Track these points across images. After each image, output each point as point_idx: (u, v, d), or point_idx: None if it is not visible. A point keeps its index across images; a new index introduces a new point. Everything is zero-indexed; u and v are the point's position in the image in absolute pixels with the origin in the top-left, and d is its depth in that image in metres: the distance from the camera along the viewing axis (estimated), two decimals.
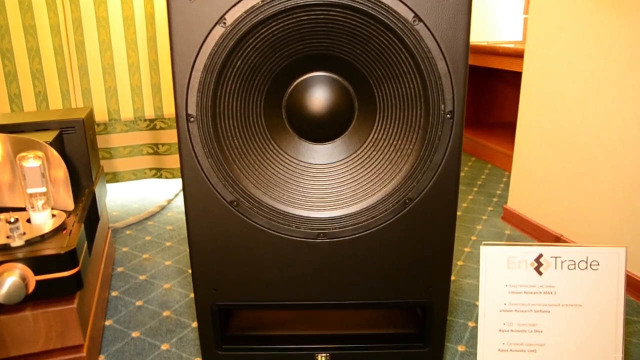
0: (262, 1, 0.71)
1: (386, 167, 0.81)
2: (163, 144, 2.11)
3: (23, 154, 0.93)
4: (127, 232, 1.75)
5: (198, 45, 0.73)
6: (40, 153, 0.94)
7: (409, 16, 0.72)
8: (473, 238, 1.66)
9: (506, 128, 2.90)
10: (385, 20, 0.72)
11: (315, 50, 0.77)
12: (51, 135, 1.09)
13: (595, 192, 1.43)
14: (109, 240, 1.43)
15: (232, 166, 0.79)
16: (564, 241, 1.55)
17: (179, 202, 2.04)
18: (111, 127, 2.06)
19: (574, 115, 1.48)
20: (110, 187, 2.23)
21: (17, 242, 0.87)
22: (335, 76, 0.80)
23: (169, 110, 2.08)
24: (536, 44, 1.59)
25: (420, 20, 0.72)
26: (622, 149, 1.32)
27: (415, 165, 0.79)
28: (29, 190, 0.93)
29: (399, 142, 0.81)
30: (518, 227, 1.75)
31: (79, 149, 1.17)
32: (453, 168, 0.80)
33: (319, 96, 0.81)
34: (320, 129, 0.82)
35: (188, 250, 1.48)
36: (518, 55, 2.22)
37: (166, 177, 2.17)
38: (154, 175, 2.18)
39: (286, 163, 0.83)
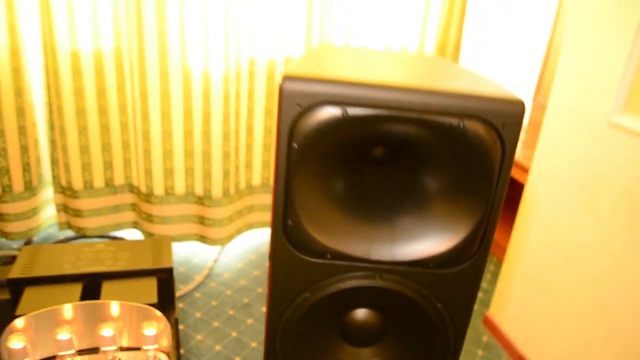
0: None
1: None
2: (209, 219, 2.49)
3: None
4: (180, 304, 2.13)
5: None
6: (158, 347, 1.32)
7: None
8: None
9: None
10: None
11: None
12: (153, 286, 1.47)
13: (576, 332, 1.54)
14: None
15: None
16: None
17: (218, 269, 2.43)
18: (166, 199, 2.44)
19: (565, 268, 1.70)
20: None
21: None
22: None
23: (216, 191, 2.45)
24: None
25: None
26: (615, 306, 1.43)
27: None
28: None
29: None
30: (496, 336, 1.89)
31: (167, 296, 1.55)
32: None
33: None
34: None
35: (235, 334, 1.88)
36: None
37: (208, 244, 2.55)
38: (198, 240, 2.56)
39: None
